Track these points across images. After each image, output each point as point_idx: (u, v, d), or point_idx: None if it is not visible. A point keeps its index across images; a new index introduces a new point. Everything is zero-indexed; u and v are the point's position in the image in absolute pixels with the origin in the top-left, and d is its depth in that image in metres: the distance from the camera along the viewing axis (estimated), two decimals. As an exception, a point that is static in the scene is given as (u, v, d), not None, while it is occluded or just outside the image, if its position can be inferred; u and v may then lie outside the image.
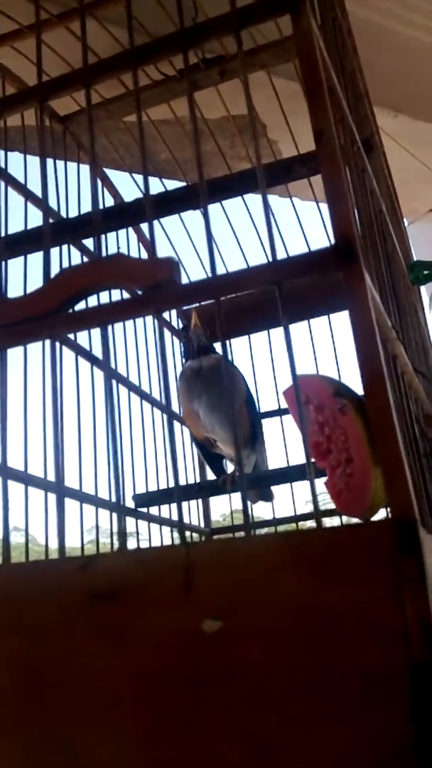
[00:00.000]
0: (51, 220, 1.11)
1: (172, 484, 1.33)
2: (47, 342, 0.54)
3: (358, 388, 0.62)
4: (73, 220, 0.87)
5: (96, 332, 1.02)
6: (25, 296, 0.55)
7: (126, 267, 0.51)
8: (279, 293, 0.48)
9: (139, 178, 1.48)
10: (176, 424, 1.45)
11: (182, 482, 1.39)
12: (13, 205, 1.08)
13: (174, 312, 1.59)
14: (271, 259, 0.49)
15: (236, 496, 1.37)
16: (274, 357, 1.51)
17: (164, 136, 1.38)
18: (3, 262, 0.82)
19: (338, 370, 1.38)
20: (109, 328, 1.12)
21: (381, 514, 0.59)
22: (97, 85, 0.63)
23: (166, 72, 1.21)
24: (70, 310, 0.54)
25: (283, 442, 1.43)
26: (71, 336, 1.06)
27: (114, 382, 1.16)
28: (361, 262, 0.46)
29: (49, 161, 1.25)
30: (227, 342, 1.50)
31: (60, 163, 1.27)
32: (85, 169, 1.36)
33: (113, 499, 1.14)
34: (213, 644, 0.43)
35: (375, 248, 0.67)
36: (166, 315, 1.53)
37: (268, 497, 1.33)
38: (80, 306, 0.54)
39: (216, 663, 0.42)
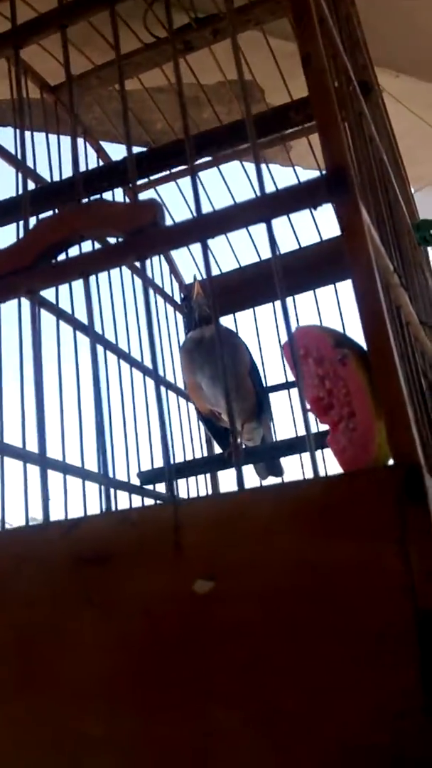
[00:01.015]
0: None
1: (177, 460, 1.31)
2: (25, 303, 0.51)
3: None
4: (60, 183, 0.84)
5: (79, 291, 0.99)
6: (2, 250, 0.51)
7: (106, 212, 0.48)
8: (269, 230, 0.44)
9: (135, 149, 1.44)
10: (177, 397, 1.42)
11: (189, 458, 1.36)
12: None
13: (176, 287, 1.55)
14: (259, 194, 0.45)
15: (246, 472, 1.33)
16: (281, 330, 1.47)
17: (159, 105, 1.34)
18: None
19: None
20: (93, 287, 1.09)
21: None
22: (74, 25, 0.59)
23: (158, 34, 1.17)
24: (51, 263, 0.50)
25: (291, 415, 1.40)
26: (52, 298, 1.02)
27: (101, 348, 1.13)
28: (355, 192, 0.42)
29: (41, 134, 1.22)
30: (233, 315, 1.47)
31: (53, 137, 1.24)
32: (79, 141, 1.33)
33: (111, 475, 1.12)
34: (206, 606, 0.39)
35: (375, 193, 0.64)
36: (167, 288, 1.49)
37: (278, 472, 1.29)
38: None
39: (210, 626, 0.39)
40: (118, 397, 1.19)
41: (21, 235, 0.53)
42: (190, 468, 1.19)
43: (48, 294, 1.03)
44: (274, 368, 1.42)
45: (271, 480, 1.35)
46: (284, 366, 1.42)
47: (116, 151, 1.44)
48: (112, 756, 0.41)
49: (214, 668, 0.39)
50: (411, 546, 0.36)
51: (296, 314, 1.40)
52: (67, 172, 1.17)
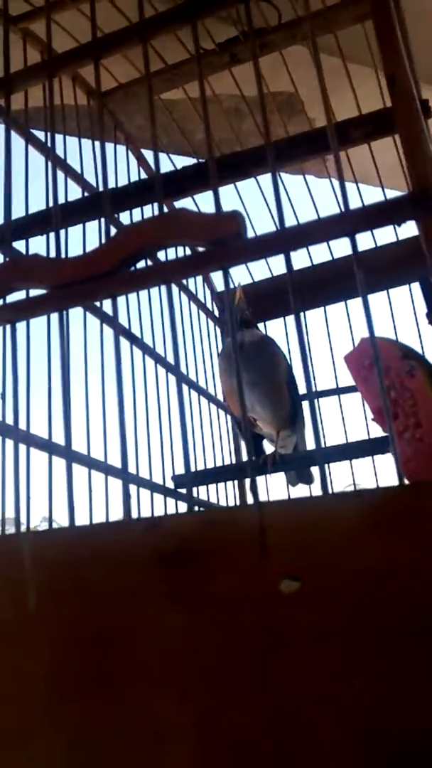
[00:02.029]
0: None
1: (209, 465, 1.32)
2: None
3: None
4: (117, 190, 0.86)
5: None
6: (82, 256, 0.53)
7: (189, 222, 0.50)
8: (352, 245, 0.46)
9: (176, 158, 1.47)
10: (209, 404, 1.44)
11: (219, 463, 1.37)
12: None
13: (209, 295, 1.57)
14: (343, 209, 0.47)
15: (274, 481, 1.35)
16: (310, 339, 1.49)
17: (202, 116, 1.36)
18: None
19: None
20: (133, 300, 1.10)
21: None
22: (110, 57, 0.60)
23: (206, 46, 1.19)
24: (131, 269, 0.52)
25: (320, 425, 1.42)
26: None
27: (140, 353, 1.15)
28: (441, 211, 0.44)
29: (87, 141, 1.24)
30: (264, 323, 1.48)
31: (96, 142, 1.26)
32: (121, 148, 1.35)
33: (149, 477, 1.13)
34: (292, 606, 0.41)
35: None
36: (200, 297, 1.51)
37: (309, 480, 1.30)
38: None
39: (296, 625, 0.41)
40: (154, 403, 1.21)
41: (102, 240, 0.55)
42: (225, 473, 1.21)
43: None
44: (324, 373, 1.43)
45: (301, 488, 1.36)
46: (313, 374, 1.44)
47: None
48: (189, 746, 0.42)
49: (299, 663, 0.40)
50: None
51: (348, 318, 1.42)
52: (112, 179, 1.20)
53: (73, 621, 0.47)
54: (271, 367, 1.18)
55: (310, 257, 1.51)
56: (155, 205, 1.29)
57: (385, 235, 1.50)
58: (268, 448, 1.34)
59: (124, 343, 1.13)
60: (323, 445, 1.29)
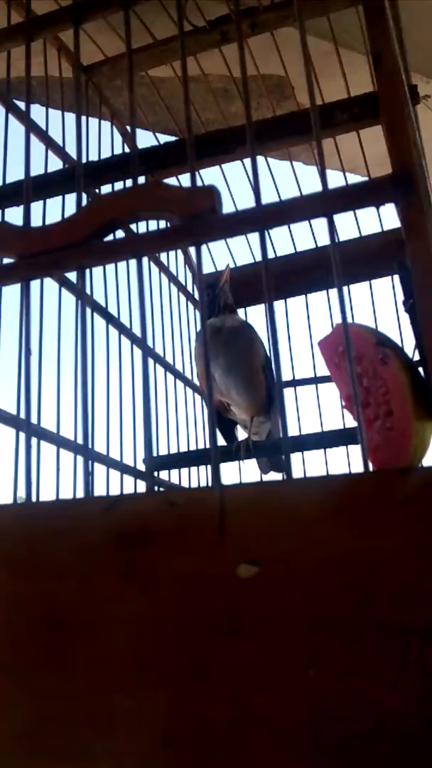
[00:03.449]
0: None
1: (184, 449, 1.31)
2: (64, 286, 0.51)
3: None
4: (96, 164, 0.84)
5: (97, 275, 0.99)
6: (52, 225, 0.52)
7: (164, 194, 0.48)
8: (330, 225, 0.45)
9: (162, 138, 1.44)
10: (185, 387, 1.43)
11: (193, 447, 1.36)
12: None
13: (189, 278, 1.55)
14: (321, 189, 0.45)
15: (247, 467, 1.34)
16: (290, 327, 1.48)
17: (190, 94, 1.34)
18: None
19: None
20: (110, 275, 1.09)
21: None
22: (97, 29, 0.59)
23: (196, 23, 1.17)
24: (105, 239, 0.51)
25: (296, 413, 1.42)
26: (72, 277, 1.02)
27: (116, 331, 1.13)
28: (420, 192, 0.43)
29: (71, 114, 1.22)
30: (245, 309, 1.47)
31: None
32: (106, 124, 1.32)
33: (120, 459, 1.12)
34: (249, 590, 0.40)
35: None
36: (180, 279, 1.49)
37: (281, 468, 1.30)
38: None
39: (251, 610, 0.40)
40: (128, 383, 1.19)
41: (66, 214, 0.53)
42: (198, 458, 1.20)
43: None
44: (285, 364, 1.42)
45: (273, 475, 1.36)
46: (291, 362, 1.43)
47: (142, 138, 1.44)
48: (140, 729, 0.41)
49: (253, 652, 0.39)
50: (460, 545, 0.36)
51: (329, 307, 1.41)
52: (93, 153, 1.18)
53: (26, 599, 0.45)
54: (248, 352, 1.17)
55: (293, 244, 1.50)
56: (140, 179, 1.28)
57: (371, 224, 1.49)
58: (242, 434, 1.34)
59: (100, 322, 1.12)
60: (292, 433, 1.28)
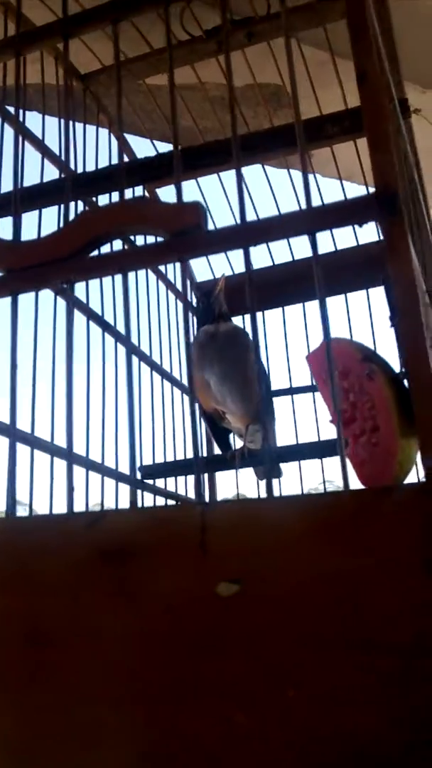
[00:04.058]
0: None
1: (179, 457, 1.31)
2: (60, 298, 0.51)
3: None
4: (90, 174, 0.84)
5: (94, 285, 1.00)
6: (40, 239, 0.52)
7: (150, 211, 0.48)
8: (312, 244, 0.45)
9: (159, 145, 1.45)
10: (182, 395, 1.43)
11: (189, 456, 1.36)
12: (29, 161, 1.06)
13: (189, 286, 1.56)
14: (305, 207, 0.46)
15: (243, 476, 1.34)
16: (288, 336, 1.48)
17: (187, 103, 1.34)
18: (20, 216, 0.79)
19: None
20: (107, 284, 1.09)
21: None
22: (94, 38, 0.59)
23: (192, 32, 1.17)
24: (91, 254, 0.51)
25: (293, 421, 1.42)
26: (83, 299, 1.03)
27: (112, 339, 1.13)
28: (403, 213, 0.43)
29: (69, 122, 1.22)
30: (242, 317, 1.47)
31: (79, 124, 1.23)
32: (104, 131, 1.33)
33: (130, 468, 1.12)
34: (229, 609, 0.40)
35: (408, 212, 0.64)
36: (179, 287, 1.49)
37: (277, 474, 1.30)
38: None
39: (231, 629, 0.40)
40: (123, 391, 1.19)
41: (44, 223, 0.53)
42: (190, 467, 1.20)
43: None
44: (279, 374, 1.42)
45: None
46: (289, 371, 1.43)
47: (138, 143, 1.44)
48: (124, 745, 0.41)
49: (233, 670, 0.39)
50: (438, 566, 0.36)
51: (305, 321, 1.41)
52: (91, 161, 1.18)
53: (12, 614, 0.46)
54: (243, 360, 1.17)
55: (271, 257, 1.50)
56: (136, 189, 1.28)
57: (346, 238, 1.49)
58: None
59: (97, 330, 1.12)
60: (287, 442, 1.28)
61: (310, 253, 0.46)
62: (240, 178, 0.50)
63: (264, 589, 0.40)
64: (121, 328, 1.21)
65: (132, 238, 0.80)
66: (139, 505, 1.21)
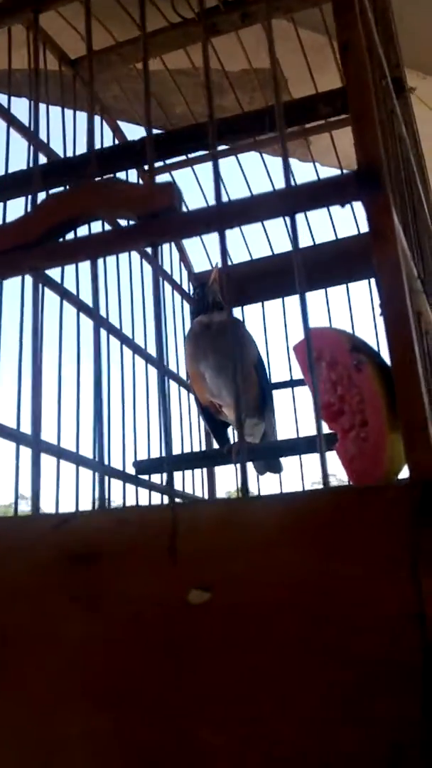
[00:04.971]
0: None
1: (175, 452, 1.28)
2: (28, 279, 0.48)
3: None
4: (73, 159, 0.81)
5: (85, 271, 0.97)
6: (4, 225, 0.49)
7: (120, 192, 0.46)
8: (292, 225, 0.42)
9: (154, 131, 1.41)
10: (179, 388, 1.40)
11: (186, 450, 1.34)
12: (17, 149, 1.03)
13: (186, 275, 1.53)
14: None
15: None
16: (288, 326, 1.45)
17: (181, 88, 1.31)
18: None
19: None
20: (101, 271, 1.07)
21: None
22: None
23: (185, 15, 1.14)
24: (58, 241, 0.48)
25: (294, 414, 1.38)
26: (57, 278, 1.00)
27: (104, 332, 1.11)
28: (387, 190, 0.40)
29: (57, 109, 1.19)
30: (241, 308, 1.44)
31: (69, 113, 1.20)
32: (96, 118, 1.30)
33: (107, 462, 1.09)
34: (199, 617, 0.37)
35: (401, 195, 0.61)
36: (176, 277, 1.47)
37: (277, 469, 1.27)
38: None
39: (201, 639, 0.37)
40: (118, 383, 1.17)
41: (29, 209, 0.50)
42: (187, 461, 1.17)
43: (53, 273, 1.01)
44: (279, 365, 1.39)
45: (269, 477, 1.33)
46: (290, 363, 1.40)
47: (133, 132, 1.41)
48: (86, 756, 0.38)
49: (201, 683, 0.37)
50: (423, 573, 0.34)
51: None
52: (82, 149, 1.15)
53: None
54: (238, 350, 1.14)
55: (270, 247, 1.47)
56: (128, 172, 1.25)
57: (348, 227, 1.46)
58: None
59: (86, 321, 1.09)
60: (287, 435, 1.25)
61: (311, 241, 0.43)
62: (216, 163, 0.47)
63: (237, 597, 0.37)
64: (121, 324, 1.18)
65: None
66: (134, 501, 1.19)
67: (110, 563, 0.40)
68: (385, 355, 0.52)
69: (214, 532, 0.39)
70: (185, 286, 1.51)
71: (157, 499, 1.22)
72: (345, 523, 0.36)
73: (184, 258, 1.52)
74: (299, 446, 1.12)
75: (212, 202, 0.45)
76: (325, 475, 0.38)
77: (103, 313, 1.14)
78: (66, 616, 0.40)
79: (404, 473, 0.53)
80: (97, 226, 0.57)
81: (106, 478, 1.06)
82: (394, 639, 0.34)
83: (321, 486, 0.41)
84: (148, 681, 0.37)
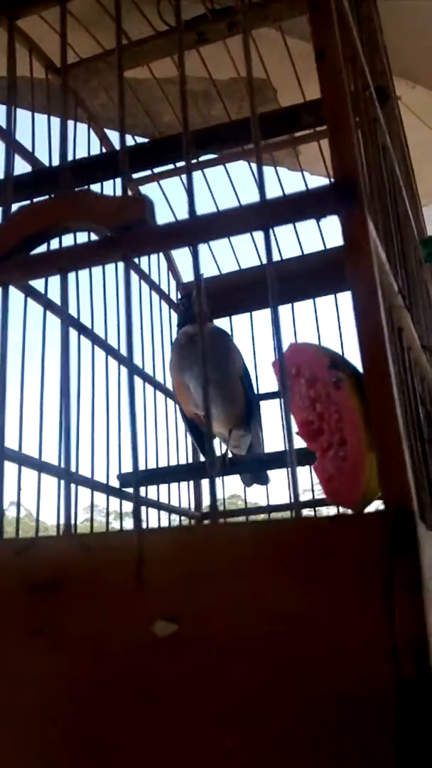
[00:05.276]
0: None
1: (161, 464, 1.27)
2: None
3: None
4: (53, 168, 0.80)
5: (71, 281, 0.96)
6: (-24, 237, 0.47)
7: (92, 204, 0.44)
8: (267, 238, 0.40)
9: (142, 141, 1.40)
10: (166, 399, 1.38)
11: (173, 462, 1.32)
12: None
13: (174, 285, 1.51)
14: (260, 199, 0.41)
15: (230, 479, 1.30)
16: (271, 342, 1.43)
17: (168, 97, 1.29)
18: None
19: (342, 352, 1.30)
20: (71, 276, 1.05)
21: (375, 505, 0.52)
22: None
23: (171, 23, 1.12)
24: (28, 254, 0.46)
25: (283, 426, 1.36)
26: (41, 288, 0.98)
27: (89, 341, 1.09)
28: (363, 203, 0.38)
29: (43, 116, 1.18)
30: (229, 318, 1.43)
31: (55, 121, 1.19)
32: (82, 127, 1.28)
33: (91, 476, 1.07)
34: (164, 650, 0.36)
35: (384, 207, 0.60)
36: (164, 287, 1.45)
37: (264, 481, 1.25)
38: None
39: (166, 673, 0.35)
40: (102, 395, 1.15)
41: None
42: (173, 474, 1.15)
43: (37, 283, 1.00)
44: (266, 375, 1.37)
45: (256, 488, 1.31)
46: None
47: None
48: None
49: (166, 720, 0.35)
50: (397, 604, 0.32)
51: (294, 323, 1.36)
52: (69, 158, 1.13)
53: None
54: (225, 362, 1.13)
55: (258, 257, 1.46)
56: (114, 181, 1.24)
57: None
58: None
59: (72, 333, 1.08)
60: (275, 448, 1.23)
61: (314, 248, 0.42)
62: (190, 174, 0.46)
63: (201, 630, 0.35)
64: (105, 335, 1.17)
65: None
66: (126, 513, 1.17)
67: (72, 592, 0.38)
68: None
69: (182, 559, 0.37)
70: (173, 296, 1.49)
71: (142, 512, 1.20)
72: (317, 552, 0.35)
73: (172, 267, 1.51)
74: (285, 459, 1.11)
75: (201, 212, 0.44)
76: (296, 497, 0.37)
77: (87, 323, 1.12)
78: (27, 650, 0.38)
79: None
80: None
81: (90, 491, 1.04)
82: (367, 674, 0.32)
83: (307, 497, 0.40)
84: (111, 719, 0.36)
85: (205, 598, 0.36)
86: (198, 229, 0.42)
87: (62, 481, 0.81)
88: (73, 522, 0.98)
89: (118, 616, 0.37)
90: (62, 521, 0.47)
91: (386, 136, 0.67)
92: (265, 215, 0.40)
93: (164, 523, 1.28)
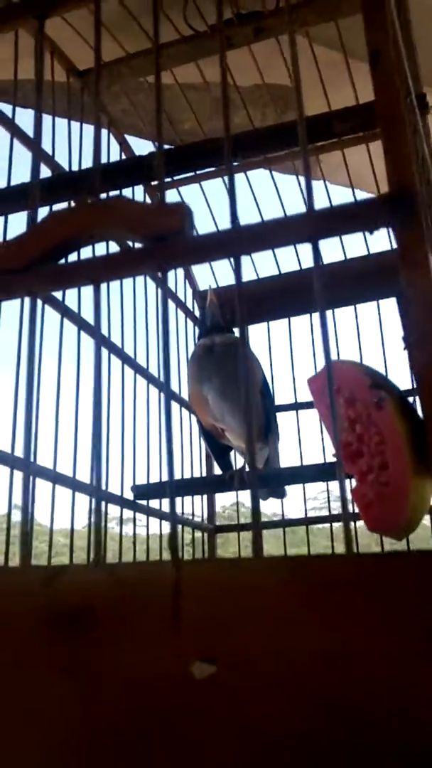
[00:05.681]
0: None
1: (175, 476, 1.24)
2: (27, 301, 0.44)
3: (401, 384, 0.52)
4: (76, 173, 0.78)
5: (87, 292, 0.93)
6: (1, 244, 0.45)
7: (127, 212, 0.42)
8: (315, 251, 0.38)
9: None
10: (181, 409, 1.36)
11: (187, 475, 1.29)
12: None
13: (190, 294, 1.49)
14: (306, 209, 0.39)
15: (243, 491, 1.27)
16: (294, 347, 1.41)
17: (191, 104, 1.27)
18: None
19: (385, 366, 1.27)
20: (104, 287, 1.03)
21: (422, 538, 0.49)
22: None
23: (197, 27, 1.10)
24: (59, 263, 0.44)
25: (298, 439, 1.33)
26: (58, 295, 0.96)
27: (106, 351, 1.07)
28: (421, 217, 0.36)
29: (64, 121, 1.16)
30: (246, 328, 1.40)
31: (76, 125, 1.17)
32: (102, 132, 1.26)
33: (110, 489, 1.05)
34: (203, 693, 0.33)
35: (426, 217, 0.57)
36: (180, 295, 1.43)
37: (280, 494, 1.23)
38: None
39: (206, 718, 0.33)
40: (118, 405, 1.13)
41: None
42: (188, 487, 1.13)
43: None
44: (283, 386, 1.34)
45: (272, 502, 1.28)
46: (294, 385, 1.35)
47: (139, 146, 1.37)
48: None
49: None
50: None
51: (335, 332, 1.33)
52: (88, 162, 1.11)
53: None
54: (243, 370, 1.10)
55: (277, 265, 1.44)
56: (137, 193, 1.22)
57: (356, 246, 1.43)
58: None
59: (87, 340, 1.05)
60: (292, 463, 1.21)
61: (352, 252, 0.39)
62: (232, 179, 0.43)
63: (245, 671, 0.33)
64: (116, 340, 1.15)
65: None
66: (131, 527, 1.15)
67: (105, 627, 0.36)
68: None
69: (222, 594, 0.34)
70: (190, 305, 1.47)
71: (155, 523, 1.18)
72: (366, 593, 0.32)
73: (189, 276, 1.48)
74: (305, 475, 1.08)
75: (221, 220, 0.41)
76: (348, 544, 0.34)
77: (105, 331, 1.10)
78: (50, 691, 0.35)
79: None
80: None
81: (103, 503, 1.01)
82: (420, 731, 0.30)
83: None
84: (144, 762, 0.33)
85: (246, 638, 0.33)
86: (242, 241, 0.39)
87: (93, 498, 0.78)
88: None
89: (150, 655, 0.34)
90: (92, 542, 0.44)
91: (425, 146, 0.65)
92: (314, 227, 0.38)
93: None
